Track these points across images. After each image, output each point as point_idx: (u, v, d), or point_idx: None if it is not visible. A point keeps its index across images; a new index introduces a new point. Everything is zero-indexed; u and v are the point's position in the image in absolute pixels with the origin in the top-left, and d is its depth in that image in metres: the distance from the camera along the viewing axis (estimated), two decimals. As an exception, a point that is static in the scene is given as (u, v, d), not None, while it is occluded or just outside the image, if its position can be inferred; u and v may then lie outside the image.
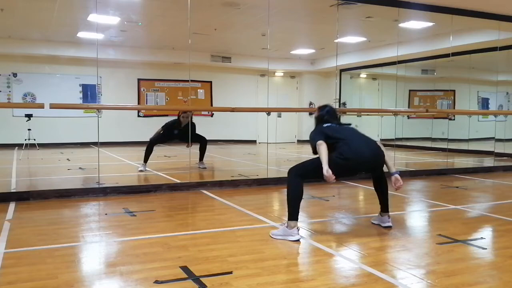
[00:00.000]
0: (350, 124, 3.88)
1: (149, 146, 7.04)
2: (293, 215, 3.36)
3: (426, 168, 7.99)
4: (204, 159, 7.51)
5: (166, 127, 7.28)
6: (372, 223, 3.84)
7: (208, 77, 13.51)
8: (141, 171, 6.82)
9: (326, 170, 3.27)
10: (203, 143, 7.49)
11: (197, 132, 7.49)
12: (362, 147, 3.52)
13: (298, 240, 3.26)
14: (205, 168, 7.36)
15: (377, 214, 3.86)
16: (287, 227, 3.35)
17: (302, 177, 3.48)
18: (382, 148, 3.61)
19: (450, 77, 12.30)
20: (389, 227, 3.71)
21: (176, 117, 7.30)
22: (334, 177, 3.28)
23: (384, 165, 3.65)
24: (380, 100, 13.59)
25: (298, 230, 3.35)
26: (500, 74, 9.97)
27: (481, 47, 9.56)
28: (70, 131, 11.66)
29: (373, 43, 11.27)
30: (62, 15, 8.26)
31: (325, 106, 3.90)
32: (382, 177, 3.76)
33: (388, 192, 3.77)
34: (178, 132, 7.20)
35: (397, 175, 3.50)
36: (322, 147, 3.42)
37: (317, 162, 3.41)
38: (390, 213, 3.75)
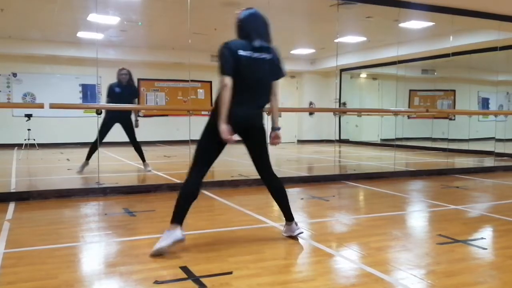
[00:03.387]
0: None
1: (93, 144, 6.75)
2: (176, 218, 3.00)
3: (427, 168, 7.98)
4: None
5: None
6: (284, 235, 3.34)
7: (208, 77, 13.48)
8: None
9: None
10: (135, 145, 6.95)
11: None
12: None
13: (180, 240, 2.94)
14: (150, 171, 6.81)
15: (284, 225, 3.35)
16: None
17: None
18: None
19: (450, 77, 12.31)
20: (301, 232, 3.26)
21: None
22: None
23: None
24: (380, 100, 13.61)
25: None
26: (500, 74, 9.97)
27: (481, 47, 9.56)
28: (70, 131, 11.64)
29: (373, 43, 11.27)
30: (62, 15, 8.26)
31: (250, 8, 3.14)
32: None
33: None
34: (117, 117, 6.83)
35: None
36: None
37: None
38: (389, 214, 3.72)
